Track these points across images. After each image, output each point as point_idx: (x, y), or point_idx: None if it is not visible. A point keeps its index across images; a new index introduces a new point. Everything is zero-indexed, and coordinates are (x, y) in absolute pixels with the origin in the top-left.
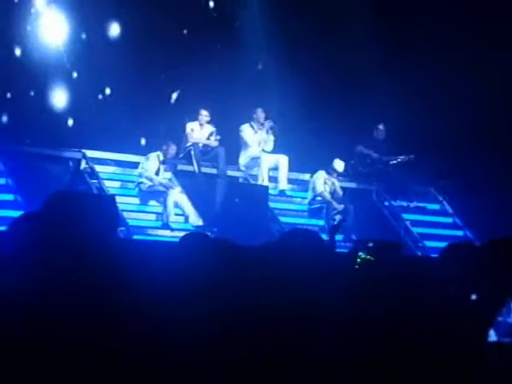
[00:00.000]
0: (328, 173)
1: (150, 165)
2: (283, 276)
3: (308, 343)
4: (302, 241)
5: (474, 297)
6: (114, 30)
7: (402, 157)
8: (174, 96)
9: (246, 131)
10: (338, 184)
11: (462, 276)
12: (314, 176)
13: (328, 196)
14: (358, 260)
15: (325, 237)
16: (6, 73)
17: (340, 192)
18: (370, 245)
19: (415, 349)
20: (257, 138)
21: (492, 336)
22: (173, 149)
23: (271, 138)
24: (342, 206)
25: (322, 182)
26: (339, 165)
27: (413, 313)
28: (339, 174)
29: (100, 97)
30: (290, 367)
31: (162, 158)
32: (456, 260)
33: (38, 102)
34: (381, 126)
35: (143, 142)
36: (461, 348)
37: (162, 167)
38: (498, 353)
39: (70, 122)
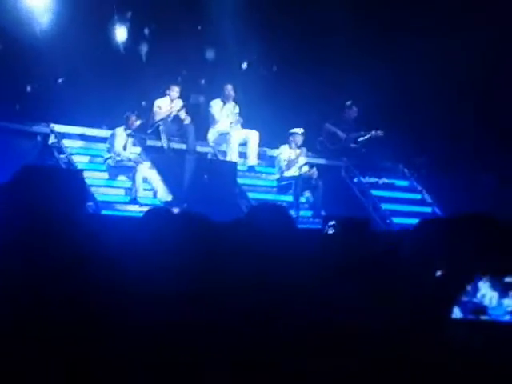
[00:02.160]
0: (289, 146)
1: (117, 140)
2: (250, 252)
3: (276, 320)
4: (270, 216)
5: (438, 273)
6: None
7: (371, 133)
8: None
9: (214, 106)
10: (301, 158)
11: (430, 252)
12: (277, 152)
13: (292, 171)
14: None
15: (293, 213)
16: None
17: (301, 162)
18: (333, 223)
19: (374, 324)
20: (225, 112)
21: (457, 313)
22: (134, 120)
23: (237, 109)
24: (313, 171)
25: (285, 157)
26: (298, 136)
27: (376, 289)
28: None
29: (67, 71)
30: (258, 344)
31: (128, 131)
32: (425, 236)
33: (6, 77)
34: (353, 106)
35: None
36: (421, 322)
37: (129, 141)
38: (461, 329)
39: (38, 97)
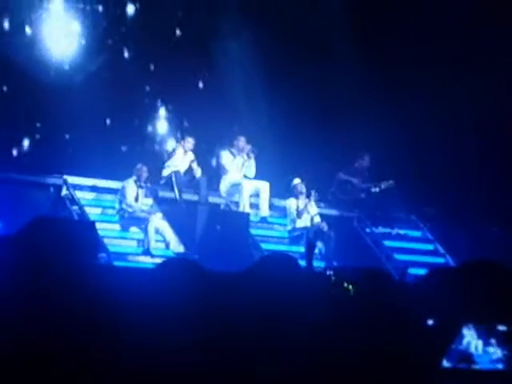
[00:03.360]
0: (296, 197)
1: (128, 191)
2: (259, 303)
3: (282, 371)
4: (279, 266)
5: (430, 322)
6: (94, 60)
7: (382, 183)
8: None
9: (225, 157)
10: (311, 208)
11: (437, 302)
12: (286, 203)
13: (303, 222)
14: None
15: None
16: None
17: (312, 212)
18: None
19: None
20: (236, 164)
21: (444, 363)
22: (144, 171)
23: (252, 162)
24: (323, 224)
25: (294, 207)
26: (299, 184)
27: (380, 339)
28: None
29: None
30: None
31: (139, 183)
32: (431, 287)
33: (20, 130)
34: (365, 156)
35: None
36: (415, 374)
37: (140, 192)
38: (453, 379)
39: (51, 149)
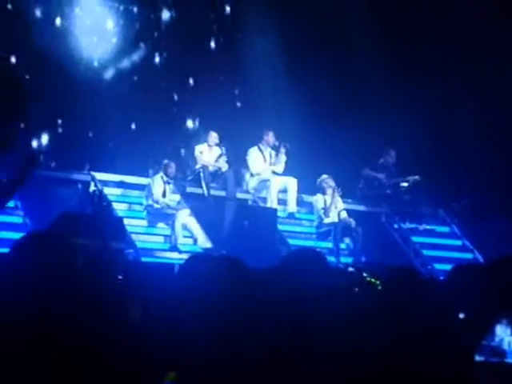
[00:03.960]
0: (322, 193)
1: (155, 187)
2: (288, 299)
3: (309, 367)
4: (306, 262)
5: (461, 315)
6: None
7: (409, 178)
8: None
9: (253, 153)
10: (338, 202)
11: (467, 299)
12: (313, 200)
13: (331, 218)
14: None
15: (333, 259)
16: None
17: (339, 207)
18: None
19: (413, 374)
20: (264, 160)
21: (476, 357)
22: (171, 167)
23: (283, 158)
24: (351, 220)
25: (321, 205)
26: (328, 180)
27: (412, 338)
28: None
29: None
30: None
31: (165, 179)
32: (460, 282)
33: (48, 126)
34: (391, 151)
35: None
36: (453, 369)
37: (167, 188)
38: (485, 373)
39: (79, 145)
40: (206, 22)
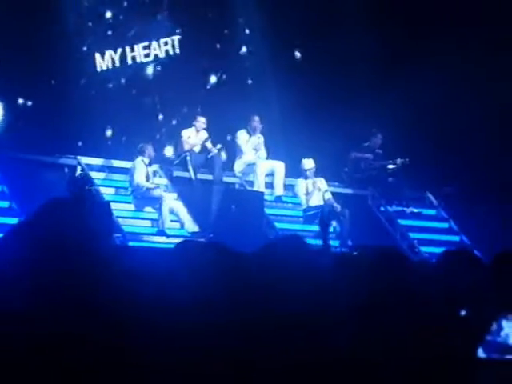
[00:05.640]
0: (305, 178)
1: (138, 171)
2: (275, 283)
3: (304, 353)
4: (288, 248)
5: (463, 312)
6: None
7: (397, 161)
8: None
9: (241, 137)
10: (320, 184)
11: (458, 287)
12: (295, 185)
13: (316, 200)
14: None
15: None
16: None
17: (322, 188)
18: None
19: (401, 363)
20: (251, 144)
21: (480, 353)
22: (150, 149)
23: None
24: (336, 204)
25: (303, 191)
26: (307, 163)
27: (400, 324)
28: (316, 172)
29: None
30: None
31: (146, 162)
32: (452, 269)
33: (33, 110)
34: (378, 134)
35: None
36: (450, 364)
37: (150, 170)
38: (488, 369)
39: (65, 129)
40: None
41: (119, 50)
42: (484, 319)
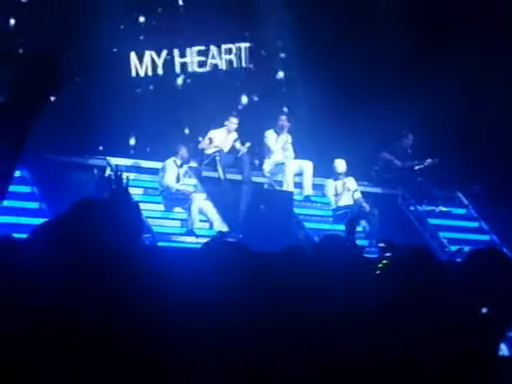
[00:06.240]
0: (335, 179)
1: (168, 172)
2: (308, 284)
3: (329, 353)
4: (337, 252)
5: (484, 310)
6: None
7: (426, 161)
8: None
9: (269, 137)
10: (350, 183)
11: (486, 286)
12: (325, 185)
13: (345, 200)
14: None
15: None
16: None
17: (352, 188)
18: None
19: (424, 361)
20: (279, 143)
21: (503, 350)
22: (184, 150)
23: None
24: (365, 205)
25: (332, 192)
26: (339, 165)
27: (428, 322)
28: (348, 174)
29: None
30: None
31: (178, 163)
32: (481, 268)
33: (62, 111)
34: (409, 135)
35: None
36: (473, 361)
37: (181, 172)
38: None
39: (94, 130)
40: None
41: (164, 53)
42: (507, 316)
